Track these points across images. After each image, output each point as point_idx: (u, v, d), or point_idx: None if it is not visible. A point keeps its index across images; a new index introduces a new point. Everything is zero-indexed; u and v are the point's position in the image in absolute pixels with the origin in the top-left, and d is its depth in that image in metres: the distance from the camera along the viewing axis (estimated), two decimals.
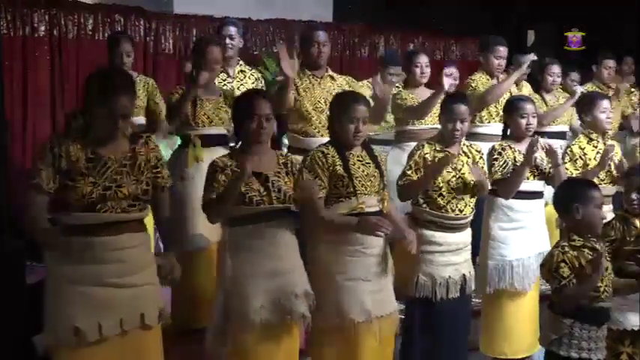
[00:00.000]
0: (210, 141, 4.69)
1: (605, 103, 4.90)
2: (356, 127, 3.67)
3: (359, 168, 3.72)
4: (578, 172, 4.76)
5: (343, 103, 3.74)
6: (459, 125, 4.11)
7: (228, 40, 5.34)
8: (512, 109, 4.61)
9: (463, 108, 4.12)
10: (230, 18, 5.70)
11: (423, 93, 5.57)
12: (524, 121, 4.55)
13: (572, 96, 6.13)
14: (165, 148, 5.76)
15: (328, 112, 3.90)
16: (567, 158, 4.80)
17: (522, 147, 4.55)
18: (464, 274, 4.23)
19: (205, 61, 4.72)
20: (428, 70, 5.66)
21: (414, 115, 5.49)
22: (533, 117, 4.60)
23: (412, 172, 4.11)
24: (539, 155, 4.52)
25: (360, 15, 9.23)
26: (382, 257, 3.77)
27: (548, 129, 6.02)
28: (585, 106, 4.93)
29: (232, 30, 5.38)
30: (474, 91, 5.71)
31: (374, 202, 3.74)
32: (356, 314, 3.65)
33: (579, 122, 5.46)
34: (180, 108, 4.65)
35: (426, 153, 4.14)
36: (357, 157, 3.75)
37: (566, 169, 4.74)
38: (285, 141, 5.14)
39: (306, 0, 8.72)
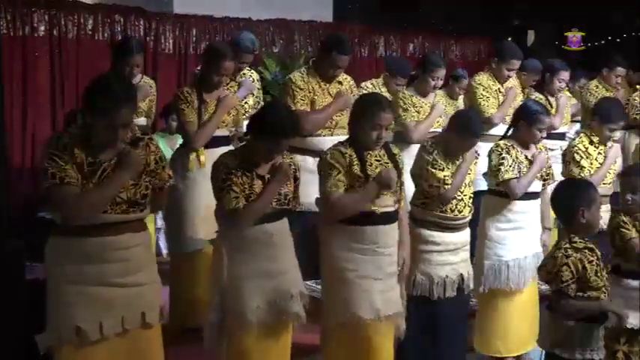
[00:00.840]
0: (212, 143, 4.68)
1: (622, 123, 4.92)
2: (378, 134, 3.65)
3: (376, 168, 3.71)
4: (588, 171, 4.75)
5: (368, 109, 3.69)
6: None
7: (244, 66, 5.40)
8: (532, 120, 4.49)
9: (475, 141, 4.15)
10: (247, 41, 5.58)
11: (429, 100, 5.55)
12: (540, 135, 4.53)
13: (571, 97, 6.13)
14: (165, 148, 5.76)
15: (351, 113, 3.85)
16: (578, 157, 4.78)
17: (525, 151, 4.54)
18: (461, 274, 4.23)
19: (217, 74, 4.68)
20: (440, 83, 5.62)
21: (407, 135, 5.42)
22: (546, 129, 4.61)
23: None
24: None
25: (360, 15, 9.24)
26: (395, 257, 3.79)
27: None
28: (602, 115, 4.88)
29: (251, 58, 5.44)
30: (477, 98, 5.73)
31: (390, 202, 3.74)
32: (365, 312, 3.66)
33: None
34: (196, 129, 4.65)
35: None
36: (375, 157, 3.74)
37: (583, 167, 4.74)
38: None
39: (306, 0, 8.72)
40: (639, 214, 3.93)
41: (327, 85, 4.93)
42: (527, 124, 4.51)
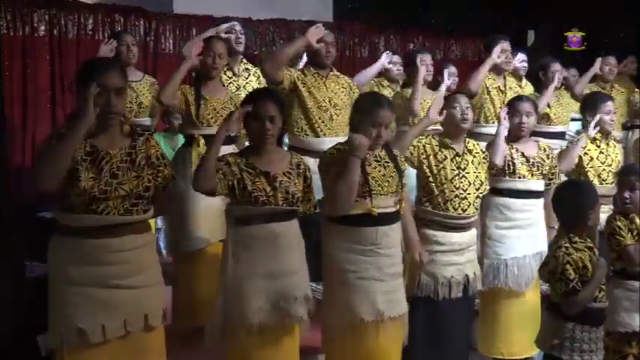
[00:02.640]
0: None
1: (610, 105, 4.91)
2: (378, 132, 3.65)
3: (375, 168, 3.71)
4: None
5: (367, 107, 3.70)
6: (463, 114, 4.13)
7: (240, 36, 5.34)
8: (510, 108, 4.61)
9: (464, 101, 4.17)
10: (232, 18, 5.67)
11: (425, 94, 5.56)
12: (516, 119, 4.55)
13: (568, 89, 6.17)
14: (166, 147, 5.76)
15: (351, 112, 3.87)
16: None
17: (519, 145, 4.55)
18: (467, 274, 4.22)
19: (211, 57, 4.66)
20: (432, 69, 5.65)
21: (407, 109, 5.46)
22: (527, 116, 4.59)
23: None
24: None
25: (360, 15, 9.24)
26: (398, 258, 3.78)
27: (546, 129, 6.02)
28: (589, 106, 4.93)
29: (239, 26, 5.39)
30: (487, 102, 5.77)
31: (390, 202, 3.73)
32: (366, 313, 3.66)
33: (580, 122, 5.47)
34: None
35: (427, 143, 4.16)
36: (375, 157, 3.74)
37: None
38: (286, 140, 5.13)
39: (306, 0, 8.73)
40: (636, 216, 3.94)
41: (324, 78, 4.94)
42: (510, 116, 4.58)
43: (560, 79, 6.22)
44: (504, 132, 4.47)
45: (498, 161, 4.45)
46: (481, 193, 4.25)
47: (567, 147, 4.96)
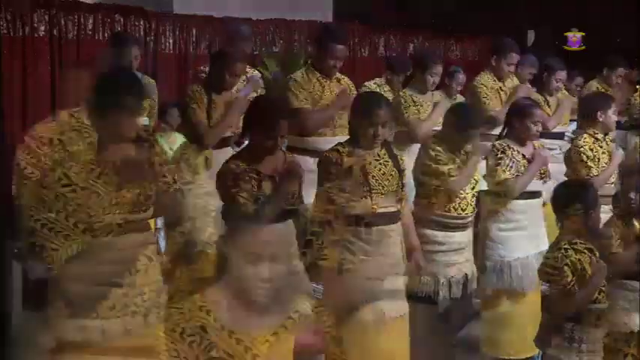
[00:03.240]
0: (217, 142, 4.68)
1: (614, 106, 4.93)
2: (375, 131, 3.67)
3: (375, 167, 3.72)
4: (596, 171, 4.76)
5: (364, 107, 3.73)
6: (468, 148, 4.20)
7: (248, 43, 5.37)
8: (524, 114, 4.55)
9: (476, 132, 4.22)
10: (238, 20, 5.66)
11: (428, 97, 5.54)
12: (535, 127, 4.54)
13: (571, 98, 6.13)
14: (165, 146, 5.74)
15: (349, 112, 3.89)
16: (585, 157, 4.78)
17: (522, 149, 4.54)
18: (466, 274, 4.22)
19: (230, 74, 4.67)
20: (438, 79, 5.62)
21: (412, 132, 5.40)
22: (540, 122, 4.62)
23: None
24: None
25: (360, 15, 9.25)
26: (398, 258, 3.78)
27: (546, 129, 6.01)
28: (601, 106, 4.90)
29: (247, 33, 5.39)
30: (480, 98, 5.74)
31: (391, 202, 3.75)
32: (366, 313, 3.67)
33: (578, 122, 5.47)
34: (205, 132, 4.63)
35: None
36: (375, 156, 3.75)
37: (590, 167, 4.73)
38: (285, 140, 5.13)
39: (306, 0, 8.73)
40: (636, 221, 3.93)
41: (328, 81, 4.94)
42: (519, 119, 4.54)
43: (561, 87, 6.21)
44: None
45: None
46: (476, 191, 4.27)
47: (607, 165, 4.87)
